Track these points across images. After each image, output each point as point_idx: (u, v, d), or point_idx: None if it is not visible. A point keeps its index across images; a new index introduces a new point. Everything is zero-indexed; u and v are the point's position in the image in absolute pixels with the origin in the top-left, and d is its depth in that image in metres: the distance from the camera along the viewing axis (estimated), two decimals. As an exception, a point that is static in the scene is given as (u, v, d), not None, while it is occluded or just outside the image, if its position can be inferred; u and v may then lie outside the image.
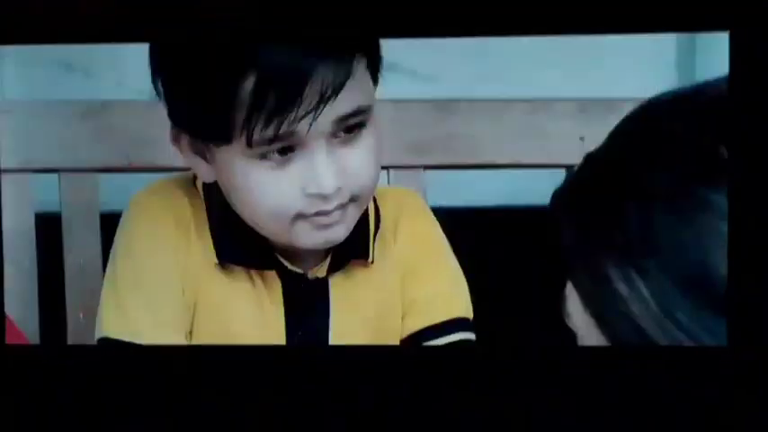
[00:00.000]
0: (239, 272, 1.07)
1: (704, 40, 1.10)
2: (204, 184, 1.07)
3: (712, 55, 1.06)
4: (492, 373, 1.08)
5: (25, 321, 1.19)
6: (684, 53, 1.16)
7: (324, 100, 0.95)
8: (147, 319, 1.05)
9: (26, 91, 1.17)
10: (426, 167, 1.23)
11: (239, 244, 1.06)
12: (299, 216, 1.01)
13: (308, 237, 1.02)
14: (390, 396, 1.07)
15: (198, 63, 0.98)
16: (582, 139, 1.17)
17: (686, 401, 1.04)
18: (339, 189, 1.00)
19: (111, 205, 1.18)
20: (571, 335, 1.02)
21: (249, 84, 0.95)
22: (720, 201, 0.68)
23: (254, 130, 0.96)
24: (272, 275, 1.07)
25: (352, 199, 1.02)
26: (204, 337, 1.07)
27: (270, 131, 0.96)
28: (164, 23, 1.03)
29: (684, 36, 1.13)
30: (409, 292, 1.12)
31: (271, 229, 1.03)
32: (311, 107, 0.95)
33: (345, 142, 1.00)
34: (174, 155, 1.05)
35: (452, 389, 1.08)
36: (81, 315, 1.18)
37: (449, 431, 1.09)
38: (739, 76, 1.05)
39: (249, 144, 0.97)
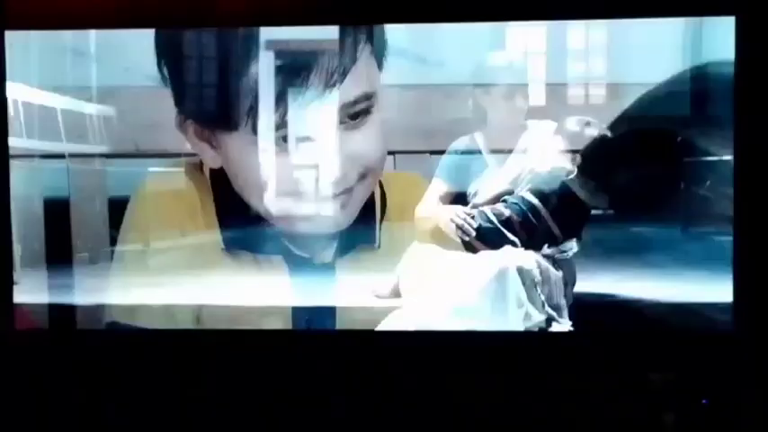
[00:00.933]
0: (246, 257, 1.07)
1: (711, 24, 1.09)
2: (211, 170, 1.07)
3: (719, 39, 1.05)
4: (493, 362, 1.09)
5: (35, 306, 1.20)
6: (691, 38, 1.16)
7: (329, 86, 0.96)
8: (154, 304, 1.06)
9: (36, 77, 1.17)
10: (432, 153, 1.23)
11: (246, 230, 1.06)
12: (306, 201, 1.01)
13: (315, 222, 1.03)
14: (396, 377, 1.08)
15: (203, 51, 0.98)
16: (588, 123, 1.17)
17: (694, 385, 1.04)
18: (345, 174, 1.01)
19: (119, 190, 1.18)
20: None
21: (254, 71, 0.96)
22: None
23: (259, 116, 0.97)
24: (279, 261, 1.08)
25: (358, 183, 1.03)
26: (211, 322, 1.07)
27: (275, 118, 0.97)
28: (169, 11, 1.03)
29: (691, 20, 1.12)
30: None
31: (276, 214, 1.04)
32: (317, 94, 0.96)
33: (351, 128, 1.01)
34: (181, 141, 1.06)
35: (459, 371, 1.09)
36: (90, 299, 1.19)
37: (455, 414, 1.10)
38: (745, 60, 1.05)
39: (255, 131, 0.98)
